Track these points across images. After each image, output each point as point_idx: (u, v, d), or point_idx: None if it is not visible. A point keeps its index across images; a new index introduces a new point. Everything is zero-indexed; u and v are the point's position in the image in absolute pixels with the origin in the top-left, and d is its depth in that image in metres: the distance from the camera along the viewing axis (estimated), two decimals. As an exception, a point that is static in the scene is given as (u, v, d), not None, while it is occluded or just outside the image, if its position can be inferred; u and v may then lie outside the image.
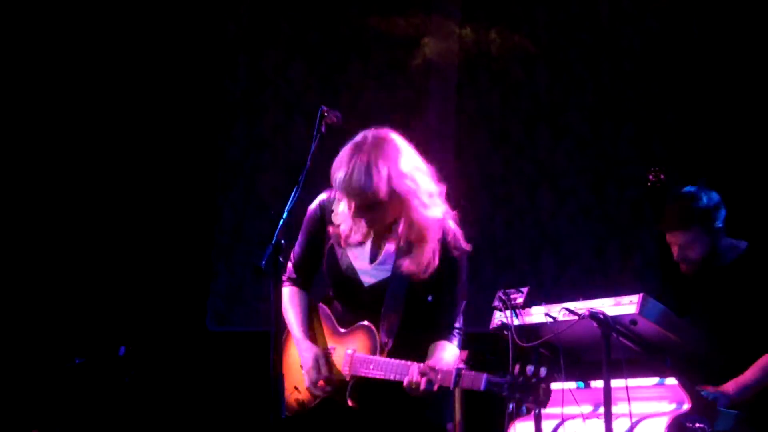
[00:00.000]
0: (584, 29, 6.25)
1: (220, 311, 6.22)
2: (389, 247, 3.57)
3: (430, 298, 3.56)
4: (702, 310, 4.32)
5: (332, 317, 3.68)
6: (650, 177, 4.60)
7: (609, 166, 6.17)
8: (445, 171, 6.35)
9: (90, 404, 5.81)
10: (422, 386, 3.33)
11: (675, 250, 4.32)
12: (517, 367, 3.20)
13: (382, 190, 3.40)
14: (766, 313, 4.15)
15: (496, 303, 4.04)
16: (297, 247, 3.73)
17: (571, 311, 3.84)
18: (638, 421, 3.86)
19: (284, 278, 3.69)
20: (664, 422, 3.80)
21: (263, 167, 6.34)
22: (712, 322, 4.25)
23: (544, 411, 4.00)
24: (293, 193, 3.32)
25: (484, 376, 3.25)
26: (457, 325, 3.65)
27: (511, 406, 3.60)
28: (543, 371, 3.17)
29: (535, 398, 3.15)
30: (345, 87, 6.44)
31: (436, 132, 6.39)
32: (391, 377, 3.41)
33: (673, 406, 3.88)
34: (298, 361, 3.64)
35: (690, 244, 4.27)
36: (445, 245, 3.56)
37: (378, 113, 6.44)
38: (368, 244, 3.60)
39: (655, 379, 3.96)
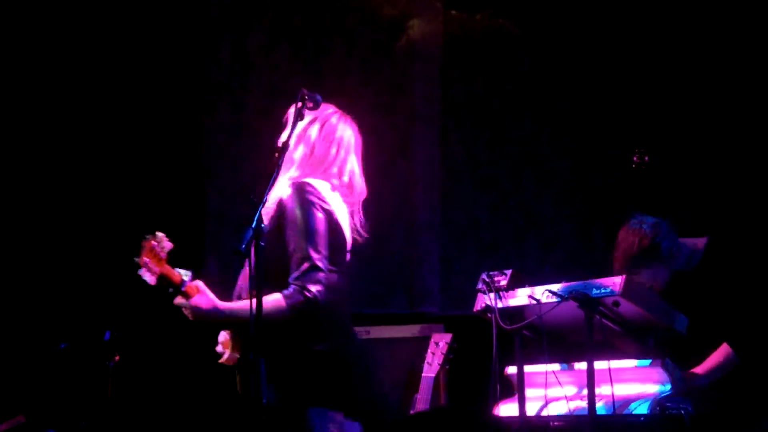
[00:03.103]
0: (569, 12, 6.23)
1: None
2: None
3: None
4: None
5: None
6: (635, 159, 4.62)
7: (593, 149, 6.17)
8: (429, 154, 6.41)
9: (75, 389, 5.81)
10: None
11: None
12: None
13: None
14: (727, 308, 4.20)
15: (480, 286, 4.06)
16: None
17: (554, 293, 3.85)
18: (621, 403, 3.87)
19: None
20: (647, 404, 3.82)
21: (247, 151, 6.31)
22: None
23: (528, 394, 4.03)
24: (273, 177, 3.31)
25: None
26: (297, 283, 3.45)
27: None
28: None
29: None
30: (329, 70, 6.42)
31: (421, 115, 6.38)
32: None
33: (657, 387, 3.89)
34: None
35: (652, 278, 4.34)
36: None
37: (362, 96, 6.44)
38: None
39: (639, 361, 3.97)
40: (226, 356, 3.62)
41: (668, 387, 3.87)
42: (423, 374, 4.71)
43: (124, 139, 6.30)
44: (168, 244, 3.50)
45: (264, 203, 3.22)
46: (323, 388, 3.43)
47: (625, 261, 4.35)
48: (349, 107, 6.38)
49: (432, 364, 4.73)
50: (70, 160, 6.27)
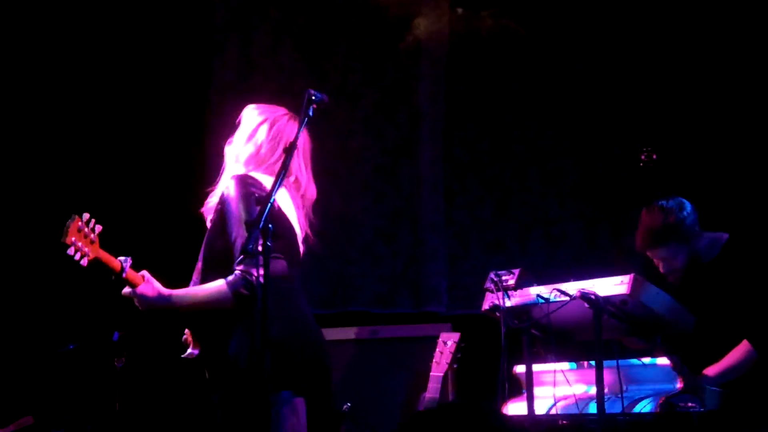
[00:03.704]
0: (575, 11, 6.22)
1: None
2: None
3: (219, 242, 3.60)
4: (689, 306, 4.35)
5: None
6: (642, 157, 4.61)
7: (598, 147, 6.16)
8: (434, 153, 6.40)
9: (83, 390, 5.82)
10: None
11: (659, 264, 4.38)
12: None
13: None
14: (747, 304, 4.18)
15: (488, 285, 4.06)
16: None
17: (562, 292, 3.85)
18: (630, 401, 3.87)
19: None
20: (655, 402, 3.81)
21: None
22: (699, 318, 4.26)
23: (537, 392, 4.02)
24: (280, 177, 3.31)
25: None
26: (239, 268, 3.50)
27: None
28: None
29: None
30: (333, 70, 6.42)
31: (426, 114, 6.37)
32: None
33: (665, 386, 3.89)
34: None
35: (672, 257, 4.33)
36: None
37: (367, 96, 6.43)
38: None
39: (647, 359, 3.97)
40: (187, 352, 3.69)
41: (676, 385, 3.87)
42: (431, 373, 4.72)
43: (131, 141, 6.31)
44: (98, 227, 3.51)
45: (271, 203, 3.23)
46: (274, 375, 3.36)
47: (648, 236, 4.35)
48: (353, 107, 6.46)
49: (440, 363, 4.73)
50: (74, 164, 6.28)
